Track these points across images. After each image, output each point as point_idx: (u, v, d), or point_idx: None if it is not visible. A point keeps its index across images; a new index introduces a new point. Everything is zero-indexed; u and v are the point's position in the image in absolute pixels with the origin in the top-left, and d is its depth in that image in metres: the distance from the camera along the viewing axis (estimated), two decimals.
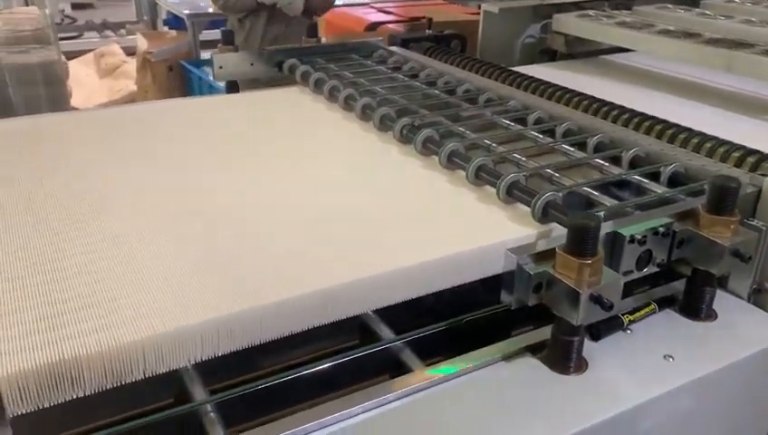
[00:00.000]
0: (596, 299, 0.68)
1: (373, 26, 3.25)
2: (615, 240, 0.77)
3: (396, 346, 0.79)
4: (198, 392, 0.72)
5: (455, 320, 0.82)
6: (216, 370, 0.74)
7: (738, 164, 1.03)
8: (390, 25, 3.28)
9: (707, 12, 1.94)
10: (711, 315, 0.83)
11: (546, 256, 0.72)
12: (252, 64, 1.61)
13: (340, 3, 3.91)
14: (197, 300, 0.72)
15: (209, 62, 3.16)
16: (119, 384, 0.67)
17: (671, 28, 1.69)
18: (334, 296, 0.76)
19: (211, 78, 2.94)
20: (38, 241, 0.85)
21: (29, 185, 1.01)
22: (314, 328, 0.76)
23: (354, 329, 0.84)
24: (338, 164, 1.13)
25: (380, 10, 3.59)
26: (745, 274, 0.85)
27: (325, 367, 0.76)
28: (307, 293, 0.74)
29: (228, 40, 1.60)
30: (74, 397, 0.66)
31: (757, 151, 1.04)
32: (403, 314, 0.83)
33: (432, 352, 0.81)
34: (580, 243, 0.68)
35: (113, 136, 1.24)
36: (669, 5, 2.04)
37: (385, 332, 0.81)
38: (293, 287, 0.74)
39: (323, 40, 1.84)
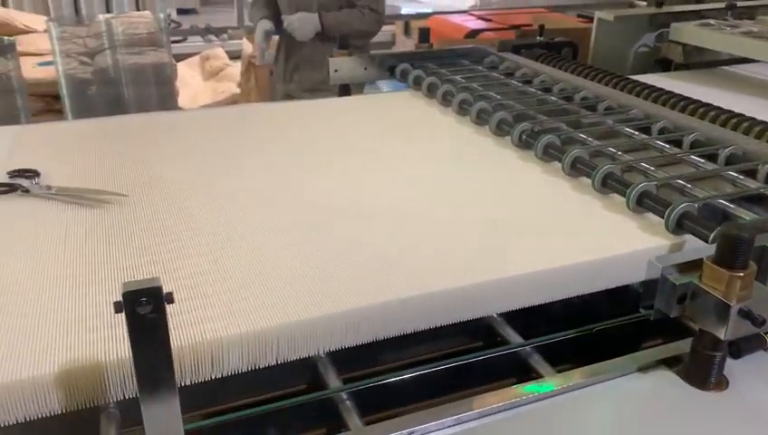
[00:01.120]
0: (746, 314, 0.66)
1: (473, 34, 3.25)
2: (762, 255, 0.74)
3: (524, 351, 0.78)
4: (332, 380, 0.74)
5: (585, 328, 0.81)
6: (348, 360, 0.75)
7: None
8: (490, 33, 3.27)
9: None
10: None
11: (691, 266, 0.70)
12: (365, 69, 1.64)
13: (432, 10, 3.94)
14: (329, 293, 0.74)
15: None
16: (253, 368, 0.70)
17: None
18: (462, 297, 0.76)
19: None
20: (176, 229, 0.90)
21: (167, 175, 1.08)
22: (440, 327, 0.77)
23: (479, 331, 0.84)
24: (458, 168, 1.14)
25: (480, 18, 3.59)
26: None
27: (455, 366, 0.77)
28: (433, 292, 0.74)
29: (343, 44, 1.64)
30: (212, 377, 0.69)
31: None
32: (525, 321, 0.83)
33: (558, 359, 0.80)
34: (732, 254, 0.65)
35: (232, 133, 1.30)
36: None
37: (511, 335, 0.81)
38: (420, 286, 0.75)
39: None
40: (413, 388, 0.77)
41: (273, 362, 0.70)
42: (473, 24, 3.45)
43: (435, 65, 1.63)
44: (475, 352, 0.79)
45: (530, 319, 0.83)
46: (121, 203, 0.98)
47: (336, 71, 1.62)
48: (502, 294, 0.79)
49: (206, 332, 0.68)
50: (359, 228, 0.90)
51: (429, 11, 4.25)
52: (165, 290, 0.52)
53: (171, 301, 0.52)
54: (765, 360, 0.75)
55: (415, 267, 0.79)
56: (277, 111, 1.56)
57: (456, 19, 3.58)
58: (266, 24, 2.61)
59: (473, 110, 1.31)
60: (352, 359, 0.76)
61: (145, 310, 0.51)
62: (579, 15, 3.66)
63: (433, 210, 0.96)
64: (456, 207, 0.97)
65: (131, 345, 0.52)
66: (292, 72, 2.70)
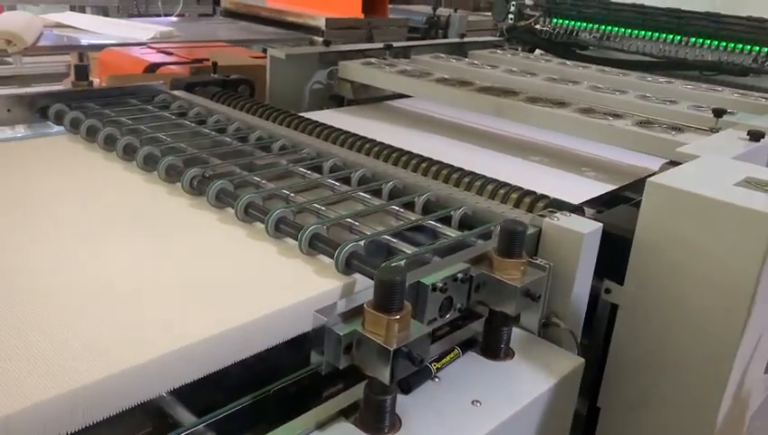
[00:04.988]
0: (406, 355, 0.67)
1: (153, 68, 3.07)
2: (418, 290, 0.77)
3: (197, 431, 0.70)
4: None
5: (261, 392, 0.76)
6: None
7: (517, 205, 1.11)
8: (172, 67, 3.13)
9: (476, 62, 2.13)
10: (509, 354, 0.86)
11: (355, 313, 0.69)
12: (9, 110, 1.41)
13: (116, 42, 3.67)
14: None
15: None
16: None
17: (446, 76, 1.81)
18: (104, 390, 0.64)
19: None
20: None
21: None
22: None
23: (148, 415, 0.73)
24: (120, 224, 1.01)
25: (160, 51, 3.41)
26: (535, 310, 0.90)
27: None
28: (61, 393, 0.61)
29: None
30: None
31: (532, 192, 1.13)
32: (202, 391, 0.75)
33: (242, 430, 0.73)
34: (388, 298, 0.66)
35: None
36: (442, 55, 2.21)
37: (183, 415, 0.72)
38: (46, 387, 0.62)
39: (97, 83, 1.68)
40: None
41: None
42: (153, 57, 3.26)
43: (98, 105, 1.47)
44: None
45: (208, 391, 0.75)
46: None
47: None
48: (158, 374, 0.69)
49: None
50: None
51: (113, 42, 3.95)
52: None
53: None
54: (433, 390, 0.78)
55: (38, 362, 0.66)
56: None
57: (135, 52, 3.36)
58: None
59: (139, 155, 1.20)
60: None
61: None
62: (264, 50, 3.72)
63: (83, 282, 0.83)
64: (118, 274, 0.85)
65: None
66: None
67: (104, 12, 5.12)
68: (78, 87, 1.55)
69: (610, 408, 1.04)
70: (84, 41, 3.65)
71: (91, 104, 1.47)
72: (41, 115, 1.43)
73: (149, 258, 0.91)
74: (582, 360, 0.88)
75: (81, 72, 1.57)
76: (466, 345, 0.87)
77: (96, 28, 3.73)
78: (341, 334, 0.67)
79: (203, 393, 0.75)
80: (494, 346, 0.86)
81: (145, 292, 0.82)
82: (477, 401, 0.77)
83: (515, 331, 0.90)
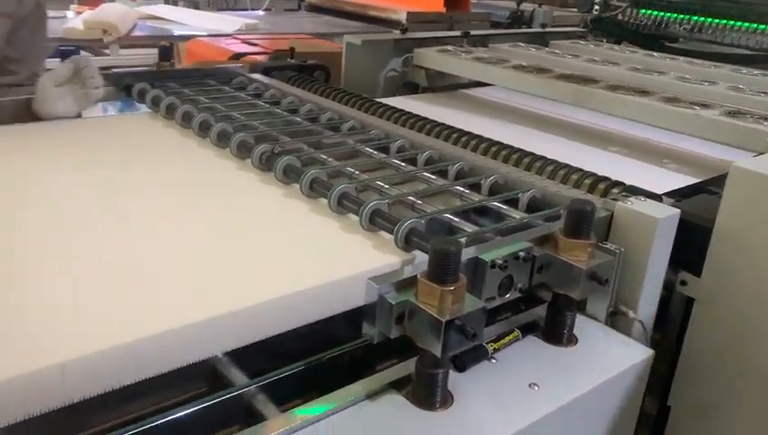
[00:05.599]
0: (459, 328, 0.65)
1: (237, 57, 3.16)
2: (477, 266, 0.75)
3: (249, 392, 0.71)
4: None
5: (315, 358, 0.76)
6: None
7: (591, 190, 1.06)
8: (255, 57, 3.21)
9: (556, 51, 2.06)
10: (572, 340, 0.83)
11: (408, 284, 0.68)
12: (97, 88, 1.47)
13: (202, 33, 3.81)
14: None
15: None
16: None
17: (524, 64, 1.76)
18: (158, 346, 0.66)
19: None
20: None
21: None
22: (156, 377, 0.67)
23: (202, 375, 0.75)
24: (191, 196, 1.04)
25: (245, 41, 3.51)
26: (602, 297, 0.86)
27: (168, 420, 0.67)
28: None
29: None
30: None
31: (607, 178, 1.08)
32: (260, 356, 0.76)
33: (293, 395, 0.73)
34: (442, 269, 0.65)
35: None
36: (521, 44, 2.15)
37: (237, 376, 0.73)
38: (122, 334, 0.64)
39: None
40: None
41: None
42: (237, 47, 3.35)
43: (178, 85, 1.52)
44: (196, 400, 0.70)
45: (263, 354, 0.76)
46: None
47: None
48: (219, 333, 0.71)
49: None
50: (70, 271, 0.77)
51: (201, 33, 4.10)
52: None
53: None
54: (489, 370, 0.76)
55: (118, 312, 0.69)
56: None
57: (221, 42, 3.47)
58: None
59: (213, 131, 1.23)
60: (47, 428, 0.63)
61: None
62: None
63: (151, 246, 0.86)
64: (188, 241, 0.88)
65: None
66: None
67: (195, 5, 5.32)
68: (161, 68, 1.60)
69: (681, 407, 0.98)
70: (175, 32, 3.81)
71: (173, 84, 1.52)
72: (126, 94, 1.49)
73: (217, 229, 0.92)
74: (652, 352, 0.83)
75: (165, 53, 1.62)
76: (528, 329, 0.83)
77: (186, 20, 3.89)
78: (394, 303, 0.66)
79: (261, 358, 0.76)
80: (556, 331, 0.82)
81: (210, 258, 0.84)
82: (535, 385, 0.74)
83: (581, 318, 0.86)
